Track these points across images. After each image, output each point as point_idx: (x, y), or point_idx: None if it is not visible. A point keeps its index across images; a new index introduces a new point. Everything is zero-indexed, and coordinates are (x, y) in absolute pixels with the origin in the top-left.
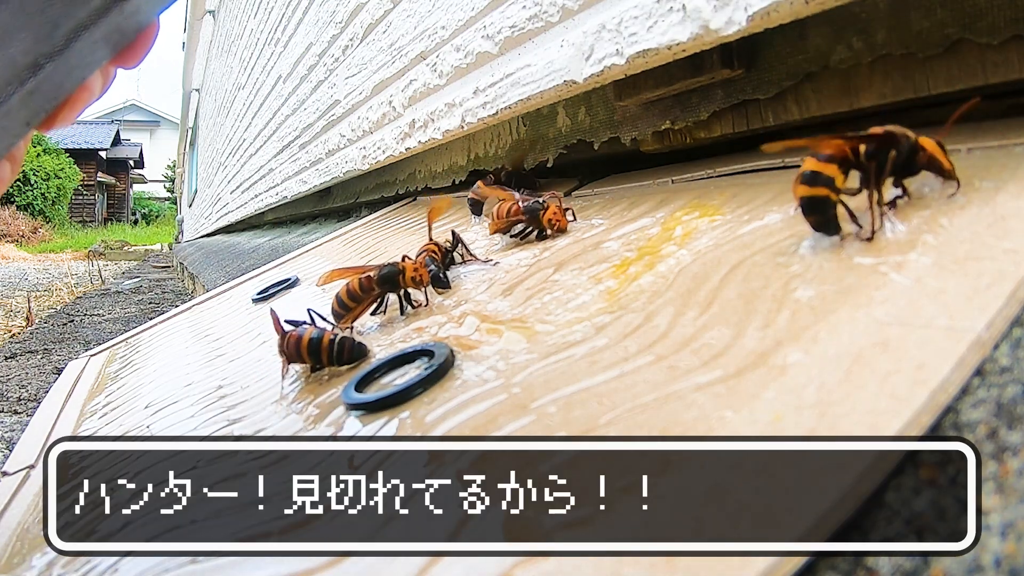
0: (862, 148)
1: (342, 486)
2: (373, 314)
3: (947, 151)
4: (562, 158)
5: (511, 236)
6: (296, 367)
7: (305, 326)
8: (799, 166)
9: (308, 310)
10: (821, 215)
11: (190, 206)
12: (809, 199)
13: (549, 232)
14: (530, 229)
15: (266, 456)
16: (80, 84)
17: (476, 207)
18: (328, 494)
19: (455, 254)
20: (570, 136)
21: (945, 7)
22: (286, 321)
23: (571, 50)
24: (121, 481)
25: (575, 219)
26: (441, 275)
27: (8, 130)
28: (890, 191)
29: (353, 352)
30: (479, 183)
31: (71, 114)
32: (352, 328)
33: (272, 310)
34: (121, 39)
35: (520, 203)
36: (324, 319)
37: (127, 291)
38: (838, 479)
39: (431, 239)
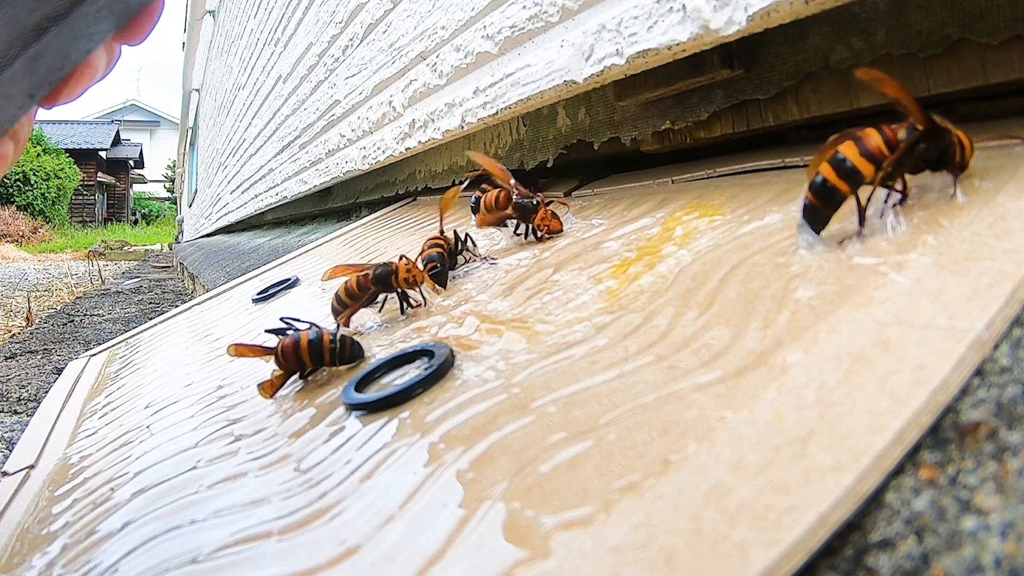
0: (900, 141)
1: (342, 486)
2: (366, 306)
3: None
4: (562, 158)
5: (515, 234)
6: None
7: (297, 332)
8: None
9: (281, 318)
10: (827, 205)
11: (190, 206)
12: (828, 185)
13: (540, 234)
14: (524, 227)
15: (266, 456)
16: (85, 56)
17: (476, 208)
18: (328, 494)
19: (460, 256)
20: (570, 136)
21: (945, 7)
22: (277, 328)
23: (571, 50)
24: (121, 481)
25: (568, 207)
26: (442, 274)
27: (12, 99)
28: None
29: (353, 351)
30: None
31: (75, 90)
32: (344, 323)
33: (233, 347)
34: (126, 10)
35: (514, 194)
36: (300, 322)
37: (127, 291)
38: (838, 479)
39: (442, 231)
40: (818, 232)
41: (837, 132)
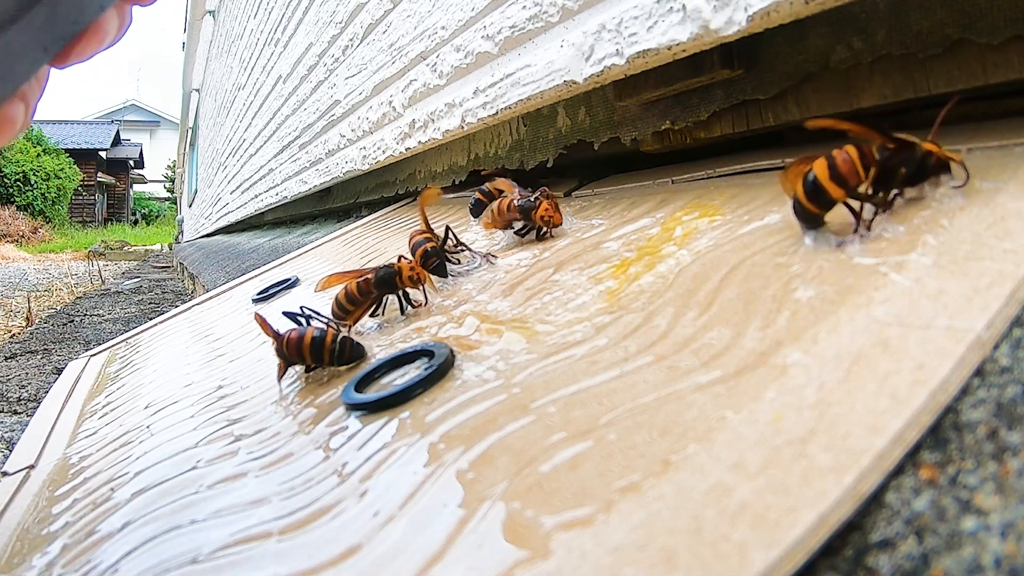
0: (875, 157)
1: (342, 486)
2: (372, 315)
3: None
4: (562, 158)
5: (516, 233)
6: (293, 369)
7: (304, 326)
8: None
9: (302, 307)
10: (810, 225)
11: (190, 206)
12: (802, 209)
13: (544, 229)
14: (527, 226)
15: (266, 456)
16: (100, 12)
17: (477, 209)
18: (328, 494)
19: (453, 256)
20: (570, 136)
21: (945, 7)
22: (288, 314)
23: (571, 50)
24: (121, 481)
25: (560, 213)
26: (441, 266)
27: (27, 51)
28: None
29: (353, 352)
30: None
31: (86, 49)
32: (350, 327)
33: (258, 314)
34: None
35: (517, 200)
36: (318, 316)
37: (127, 291)
38: (838, 479)
39: (427, 226)
40: (817, 228)
41: (837, 134)
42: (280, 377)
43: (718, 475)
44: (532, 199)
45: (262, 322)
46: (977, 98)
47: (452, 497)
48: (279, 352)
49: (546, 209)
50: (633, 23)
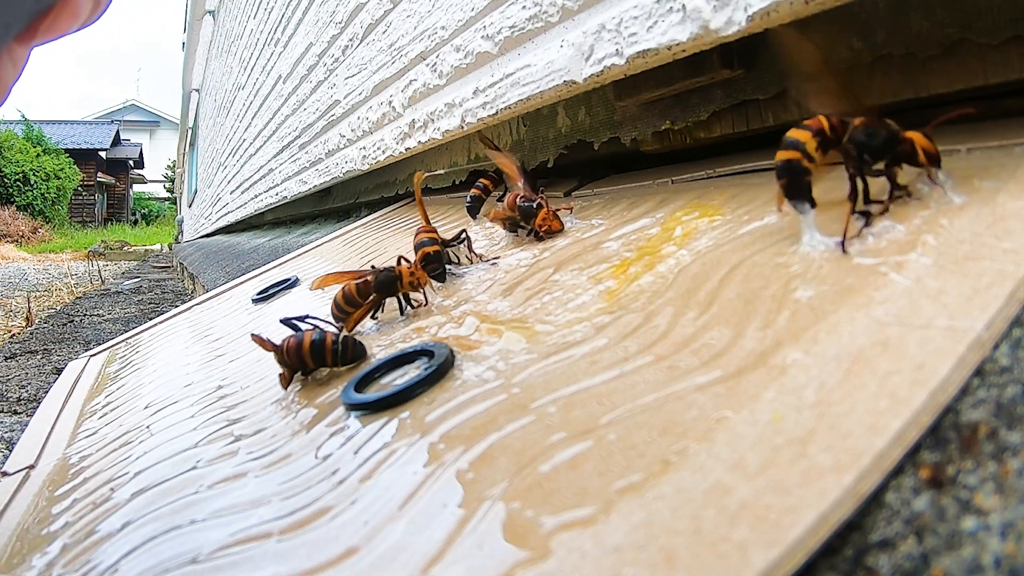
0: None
1: (342, 486)
2: (373, 317)
3: (934, 142)
4: (562, 158)
5: (515, 233)
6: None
7: (301, 331)
8: None
9: (296, 318)
10: (793, 178)
11: (190, 206)
12: (783, 162)
13: (542, 235)
14: (525, 228)
15: (266, 456)
16: None
17: (474, 208)
18: (328, 494)
19: (456, 254)
20: (570, 136)
21: (945, 7)
22: (285, 320)
23: (571, 50)
24: (121, 481)
25: (571, 211)
26: (441, 273)
27: None
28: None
29: (355, 351)
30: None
31: (55, 28)
32: (350, 329)
33: (254, 335)
34: None
35: (518, 198)
36: (315, 319)
37: (127, 291)
38: (838, 479)
39: (427, 223)
40: (810, 203)
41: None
42: (285, 385)
43: (718, 475)
44: (533, 204)
45: (259, 340)
46: (977, 98)
47: (452, 497)
48: (280, 361)
49: (544, 218)
50: (633, 23)
